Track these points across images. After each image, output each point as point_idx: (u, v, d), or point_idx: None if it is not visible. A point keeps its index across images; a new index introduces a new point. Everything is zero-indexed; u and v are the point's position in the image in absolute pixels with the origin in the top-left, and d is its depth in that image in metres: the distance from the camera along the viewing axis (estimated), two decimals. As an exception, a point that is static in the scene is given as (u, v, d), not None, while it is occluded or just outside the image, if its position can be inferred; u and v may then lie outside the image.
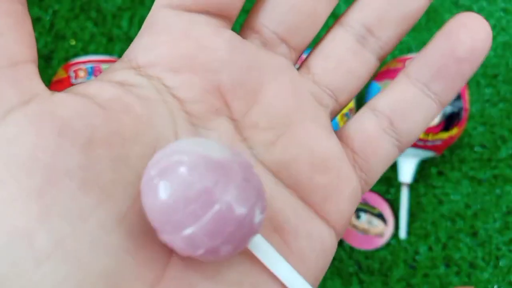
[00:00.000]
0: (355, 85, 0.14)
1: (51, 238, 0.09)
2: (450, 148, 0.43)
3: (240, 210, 0.10)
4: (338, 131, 0.14)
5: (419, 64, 0.13)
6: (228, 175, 0.10)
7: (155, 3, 0.12)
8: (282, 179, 0.13)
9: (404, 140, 0.14)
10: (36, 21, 0.44)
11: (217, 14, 0.12)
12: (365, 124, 0.14)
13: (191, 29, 0.12)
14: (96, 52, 0.43)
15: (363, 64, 0.14)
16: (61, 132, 0.10)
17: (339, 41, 0.13)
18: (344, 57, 0.13)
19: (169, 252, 0.11)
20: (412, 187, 0.41)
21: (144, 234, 0.10)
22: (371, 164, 0.14)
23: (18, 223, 0.09)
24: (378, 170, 0.14)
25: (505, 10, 0.48)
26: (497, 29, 0.47)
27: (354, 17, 0.13)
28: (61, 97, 0.11)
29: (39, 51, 0.43)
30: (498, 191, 0.42)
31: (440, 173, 0.42)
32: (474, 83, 0.45)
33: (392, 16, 0.13)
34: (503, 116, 0.44)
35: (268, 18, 0.13)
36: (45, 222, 0.09)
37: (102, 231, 0.10)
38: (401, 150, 0.14)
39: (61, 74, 0.35)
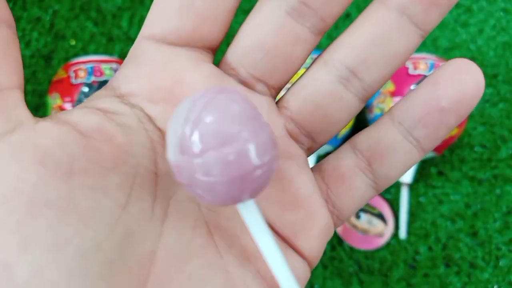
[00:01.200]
0: (333, 129, 0.13)
1: (30, 268, 0.10)
2: (450, 148, 0.43)
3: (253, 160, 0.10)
4: (317, 164, 0.14)
5: (404, 108, 0.13)
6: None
7: (139, 34, 0.13)
8: None
9: (381, 183, 0.14)
10: (36, 21, 0.44)
11: (199, 47, 0.13)
12: (343, 162, 0.14)
13: (171, 62, 0.12)
14: (96, 52, 0.43)
15: (342, 108, 0.13)
16: (42, 162, 0.10)
17: (320, 82, 0.13)
18: (323, 102, 0.13)
19: (145, 277, 0.11)
20: (412, 187, 0.41)
21: (120, 260, 0.11)
22: (343, 201, 0.14)
23: None
24: (351, 208, 0.14)
25: (505, 10, 0.48)
26: (497, 29, 0.47)
27: (337, 57, 0.13)
28: (43, 126, 0.11)
29: (39, 51, 0.43)
30: (498, 191, 0.42)
31: (440, 173, 0.42)
32: (474, 83, 0.45)
33: (377, 57, 0.12)
34: (503, 116, 0.44)
35: (244, 60, 0.13)
36: (24, 253, 0.10)
37: (80, 259, 0.10)
38: (377, 191, 0.14)
39: (61, 74, 0.35)
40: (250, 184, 0.10)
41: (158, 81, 0.12)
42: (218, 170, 0.10)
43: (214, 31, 0.12)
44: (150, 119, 0.12)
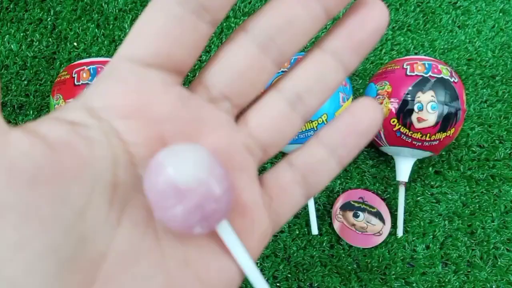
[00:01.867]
0: (282, 142, 0.16)
1: None
2: (448, 148, 0.43)
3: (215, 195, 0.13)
4: (260, 178, 0.17)
5: (329, 132, 0.16)
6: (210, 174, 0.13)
7: (116, 53, 0.14)
8: None
9: (311, 192, 0.17)
10: (38, 22, 0.44)
11: (170, 70, 0.14)
12: (282, 176, 0.17)
13: (144, 84, 0.14)
14: (98, 53, 0.44)
15: (290, 126, 0.16)
16: (9, 170, 0.11)
17: (274, 104, 0.16)
18: (276, 119, 0.16)
19: (94, 276, 0.12)
20: (410, 186, 0.42)
21: (73, 261, 0.12)
22: (283, 209, 0.16)
23: None
24: (288, 215, 0.17)
25: (503, 11, 0.48)
26: (495, 29, 0.47)
27: (288, 86, 0.16)
28: (14, 137, 0.12)
29: (41, 52, 0.43)
30: (496, 190, 0.42)
31: (437, 173, 0.42)
32: (472, 83, 0.45)
33: (318, 87, 0.16)
34: (501, 117, 0.44)
35: (218, 79, 0.15)
36: None
37: (37, 260, 0.11)
38: (307, 199, 0.17)
39: (64, 75, 0.36)
40: (217, 213, 0.13)
41: (130, 99, 0.14)
42: (190, 215, 0.13)
43: (186, 57, 0.14)
44: (116, 133, 0.14)
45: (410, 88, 0.36)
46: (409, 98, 0.36)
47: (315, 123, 0.36)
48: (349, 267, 0.39)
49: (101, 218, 0.13)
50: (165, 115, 0.14)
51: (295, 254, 0.39)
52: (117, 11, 0.45)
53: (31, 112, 0.42)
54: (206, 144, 0.15)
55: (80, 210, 0.12)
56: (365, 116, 0.16)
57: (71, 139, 0.13)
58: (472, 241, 0.41)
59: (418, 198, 0.41)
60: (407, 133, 0.36)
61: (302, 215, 0.41)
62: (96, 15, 0.45)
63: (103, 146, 0.13)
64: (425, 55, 0.45)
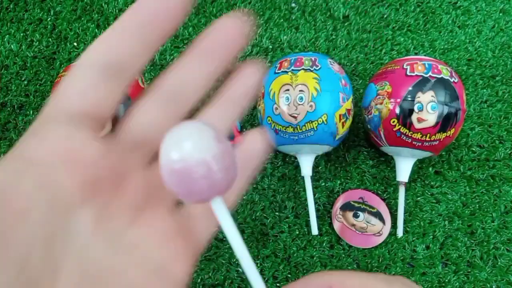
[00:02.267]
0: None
1: None
2: (448, 148, 0.43)
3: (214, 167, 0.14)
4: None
5: None
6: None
7: (49, 103, 0.16)
8: None
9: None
10: (37, 22, 0.44)
11: (94, 119, 0.16)
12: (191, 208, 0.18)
13: (71, 134, 0.16)
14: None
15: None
16: None
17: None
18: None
19: None
20: (410, 186, 0.42)
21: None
22: (201, 235, 0.18)
23: None
24: (206, 239, 0.18)
25: (503, 11, 0.48)
26: (495, 29, 0.47)
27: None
28: None
29: (41, 52, 0.43)
30: (496, 190, 0.42)
31: (437, 173, 0.43)
32: (472, 84, 0.46)
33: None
34: (501, 117, 0.45)
35: (133, 129, 0.17)
36: None
37: None
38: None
39: (64, 75, 0.36)
40: (216, 186, 0.15)
41: (59, 149, 0.15)
42: (189, 178, 0.14)
43: (106, 109, 0.16)
44: (50, 180, 0.15)
45: (410, 88, 0.36)
46: (409, 98, 0.36)
47: (315, 123, 0.36)
48: (349, 267, 0.39)
49: (43, 265, 0.14)
50: (89, 161, 0.16)
51: (295, 254, 0.39)
52: (117, 11, 0.45)
53: (31, 112, 0.42)
54: (129, 188, 0.17)
55: (26, 255, 0.13)
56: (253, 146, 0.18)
57: (5, 191, 0.13)
58: (472, 241, 0.41)
59: (418, 198, 0.42)
60: (407, 133, 0.36)
61: (302, 215, 0.41)
62: (96, 15, 0.45)
63: (37, 196, 0.14)
64: (425, 55, 0.45)
